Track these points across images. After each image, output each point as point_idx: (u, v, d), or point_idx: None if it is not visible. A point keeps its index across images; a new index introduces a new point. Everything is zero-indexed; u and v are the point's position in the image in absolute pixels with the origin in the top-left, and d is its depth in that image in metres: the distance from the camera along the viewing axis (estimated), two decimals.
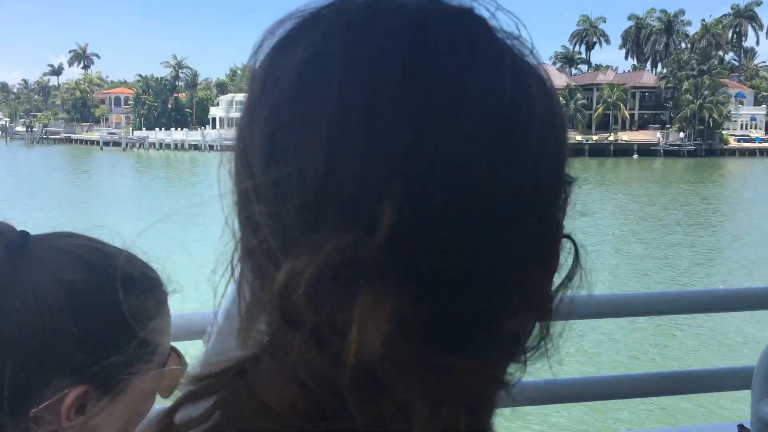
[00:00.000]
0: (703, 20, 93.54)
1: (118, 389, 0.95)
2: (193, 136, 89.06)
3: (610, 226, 27.62)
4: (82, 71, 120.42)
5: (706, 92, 76.79)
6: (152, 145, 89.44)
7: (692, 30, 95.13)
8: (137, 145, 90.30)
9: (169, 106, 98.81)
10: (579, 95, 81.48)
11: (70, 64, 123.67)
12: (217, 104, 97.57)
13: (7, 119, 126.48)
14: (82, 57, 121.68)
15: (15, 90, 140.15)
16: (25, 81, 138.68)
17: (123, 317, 0.91)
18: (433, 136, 0.43)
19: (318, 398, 0.40)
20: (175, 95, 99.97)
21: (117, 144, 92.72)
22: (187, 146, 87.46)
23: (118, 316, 0.92)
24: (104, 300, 0.93)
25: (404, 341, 0.40)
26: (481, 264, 0.46)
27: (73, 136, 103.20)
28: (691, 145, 78.12)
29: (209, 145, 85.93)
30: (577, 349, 11.35)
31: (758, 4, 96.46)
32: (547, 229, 0.51)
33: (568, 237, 0.54)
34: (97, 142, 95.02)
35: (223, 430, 0.43)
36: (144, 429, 0.42)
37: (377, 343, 0.39)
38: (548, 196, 0.50)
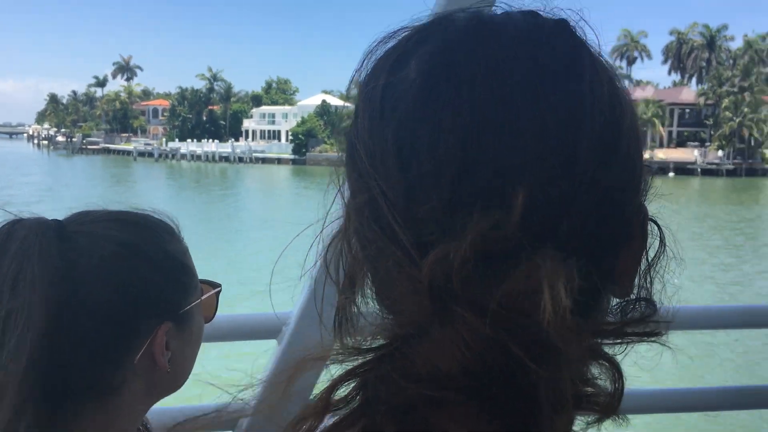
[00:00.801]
0: (746, 35, 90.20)
1: (187, 320, 1.10)
2: (224, 147, 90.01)
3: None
4: (125, 83, 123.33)
5: (746, 109, 73.89)
6: (184, 156, 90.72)
7: (736, 45, 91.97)
8: (169, 156, 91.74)
9: (204, 118, 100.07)
10: None
11: (114, 76, 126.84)
12: (251, 116, 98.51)
13: (55, 129, 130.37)
14: (125, 69, 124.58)
15: (64, 101, 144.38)
16: (74, 92, 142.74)
17: (173, 256, 1.10)
18: (555, 130, 0.51)
19: (489, 361, 0.45)
20: (210, 107, 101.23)
21: (151, 155, 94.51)
22: (217, 158, 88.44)
23: (170, 257, 1.09)
24: (158, 246, 1.08)
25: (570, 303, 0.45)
26: (594, 238, 0.52)
27: (111, 146, 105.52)
28: (730, 164, 75.15)
29: (239, 157, 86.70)
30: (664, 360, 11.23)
31: None
32: (636, 213, 0.58)
33: (653, 221, 0.60)
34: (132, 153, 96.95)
35: (375, 406, 0.47)
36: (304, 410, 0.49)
37: (566, 304, 0.45)
38: (636, 181, 0.58)
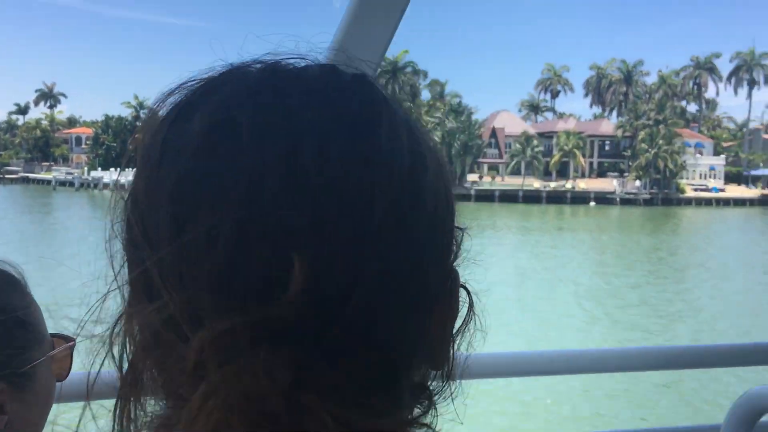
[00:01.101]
0: (660, 71, 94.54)
1: (27, 380, 1.00)
2: None
3: (567, 277, 26.90)
4: (48, 110, 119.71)
5: (661, 142, 76.98)
6: (107, 185, 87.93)
7: (651, 80, 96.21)
8: (91, 185, 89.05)
9: (130, 147, 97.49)
10: (536, 142, 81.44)
11: (36, 103, 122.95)
12: None
13: None
14: (48, 96, 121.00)
15: None
16: None
17: (7, 310, 1.00)
18: (346, 190, 0.46)
19: None
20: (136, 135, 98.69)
21: (72, 184, 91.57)
22: None
23: (3, 311, 0.99)
24: None
25: (305, 392, 0.43)
26: (388, 315, 0.48)
27: (30, 175, 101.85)
28: (647, 193, 78.00)
29: None
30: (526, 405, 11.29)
31: (717, 56, 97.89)
32: (444, 278, 0.54)
33: (463, 287, 0.57)
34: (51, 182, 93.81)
35: None
36: None
37: (275, 394, 0.42)
38: (445, 244, 0.54)
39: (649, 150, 76.95)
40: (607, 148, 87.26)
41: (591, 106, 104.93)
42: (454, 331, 0.56)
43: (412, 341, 0.50)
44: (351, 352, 0.46)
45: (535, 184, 79.72)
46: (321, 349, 0.45)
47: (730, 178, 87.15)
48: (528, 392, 12.05)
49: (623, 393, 12.46)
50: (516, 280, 26.75)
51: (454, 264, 0.56)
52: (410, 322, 0.50)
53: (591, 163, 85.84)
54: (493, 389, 11.68)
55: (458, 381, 0.55)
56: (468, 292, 0.57)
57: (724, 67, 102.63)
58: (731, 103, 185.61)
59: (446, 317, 0.54)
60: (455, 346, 0.56)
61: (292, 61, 0.54)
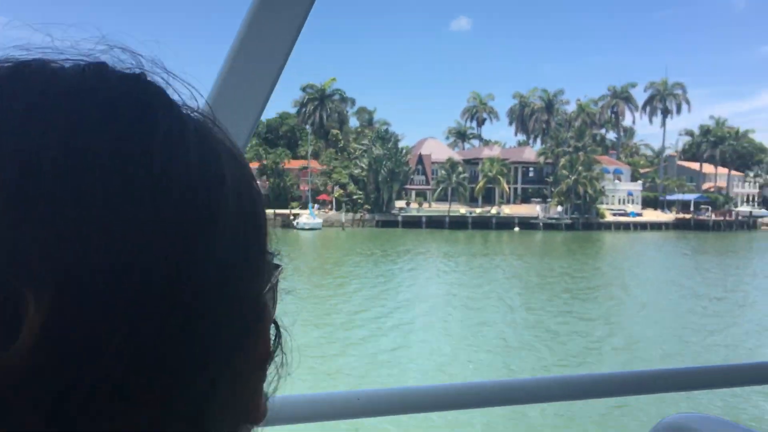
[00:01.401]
0: (578, 99, 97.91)
1: None
2: None
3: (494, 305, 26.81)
4: None
5: (580, 168, 79.43)
6: None
7: (571, 109, 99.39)
8: None
9: None
10: (461, 168, 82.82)
11: None
12: None
13: None
14: None
15: None
16: None
17: None
18: (100, 208, 0.38)
19: None
20: None
21: None
22: None
23: None
24: None
25: None
26: (169, 359, 0.39)
27: None
28: (568, 218, 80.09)
29: None
30: None
31: (633, 86, 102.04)
32: (251, 311, 0.46)
33: (274, 322, 0.50)
34: None
35: None
36: None
37: None
38: (249, 273, 0.45)
39: (570, 176, 79.25)
40: (530, 174, 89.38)
41: (516, 133, 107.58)
42: (265, 372, 0.49)
43: (204, 388, 0.42)
44: (112, 410, 0.37)
45: (462, 210, 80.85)
46: (65, 410, 0.36)
47: (648, 203, 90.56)
48: (422, 427, 11.96)
49: (517, 425, 12.58)
50: (420, 306, 26.85)
51: (266, 296, 0.48)
52: (201, 365, 0.41)
53: (515, 189, 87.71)
54: (383, 422, 11.55)
55: (264, 427, 0.49)
56: (278, 329, 0.51)
57: (640, 96, 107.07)
58: (647, 131, 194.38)
59: (253, 357, 0.47)
60: (270, 389, 0.50)
61: (56, 59, 0.45)
